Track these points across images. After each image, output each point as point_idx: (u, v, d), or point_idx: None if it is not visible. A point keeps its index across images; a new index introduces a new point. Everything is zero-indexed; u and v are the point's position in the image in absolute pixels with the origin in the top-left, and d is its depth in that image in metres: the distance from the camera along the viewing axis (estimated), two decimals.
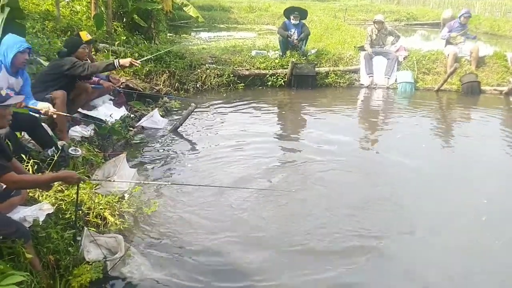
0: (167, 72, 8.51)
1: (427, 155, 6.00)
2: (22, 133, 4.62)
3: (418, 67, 9.73)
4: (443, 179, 5.28)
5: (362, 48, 10.08)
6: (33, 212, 3.46)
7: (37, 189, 3.76)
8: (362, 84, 9.70)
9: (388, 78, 9.58)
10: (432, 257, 3.80)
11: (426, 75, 9.73)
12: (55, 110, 4.65)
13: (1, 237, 2.83)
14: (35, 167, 4.05)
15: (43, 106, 4.58)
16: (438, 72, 9.72)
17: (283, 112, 8.07)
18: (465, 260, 3.80)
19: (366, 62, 9.68)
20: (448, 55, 9.63)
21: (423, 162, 5.65)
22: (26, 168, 3.95)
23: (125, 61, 5.36)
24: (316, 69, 9.51)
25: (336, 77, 9.65)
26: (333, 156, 5.77)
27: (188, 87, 8.70)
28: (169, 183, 4.76)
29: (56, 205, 3.80)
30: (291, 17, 9.73)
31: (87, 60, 5.70)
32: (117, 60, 5.38)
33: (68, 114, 5.05)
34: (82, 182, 3.35)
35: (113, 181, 4.40)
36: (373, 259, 3.73)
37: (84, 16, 9.94)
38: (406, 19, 21.40)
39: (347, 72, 9.83)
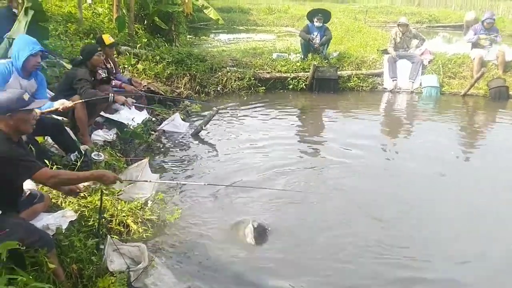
0: (188, 75, 8.46)
1: (453, 162, 5.82)
2: (45, 137, 4.58)
3: (444, 71, 9.49)
4: (470, 189, 5.09)
5: (385, 51, 9.88)
6: (56, 220, 3.41)
7: (66, 193, 3.65)
8: (385, 88, 9.50)
9: (413, 82, 9.36)
10: None
11: (452, 79, 9.48)
12: (70, 102, 4.58)
13: (24, 247, 2.75)
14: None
15: (59, 103, 4.49)
16: (465, 76, 9.48)
17: (304, 116, 7.94)
18: None
19: (389, 65, 9.47)
20: (474, 58, 9.37)
21: (450, 171, 5.47)
22: None
23: (120, 98, 5.31)
24: (338, 72, 9.34)
25: (359, 81, 9.47)
26: (354, 162, 5.66)
27: (209, 90, 8.64)
28: (204, 184, 4.61)
29: (79, 212, 3.75)
30: (315, 20, 9.60)
31: (101, 67, 5.63)
32: (112, 95, 5.27)
33: (84, 100, 4.90)
34: (119, 182, 3.23)
35: (149, 181, 4.33)
36: None
37: (106, 18, 9.95)
38: (428, 21, 21.01)
39: (370, 76, 9.64)
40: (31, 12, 5.30)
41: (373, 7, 23.37)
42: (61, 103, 4.49)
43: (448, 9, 24.14)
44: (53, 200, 3.77)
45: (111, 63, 6.33)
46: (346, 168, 5.47)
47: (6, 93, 2.95)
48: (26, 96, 2.93)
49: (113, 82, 6.10)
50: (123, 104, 5.51)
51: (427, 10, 22.87)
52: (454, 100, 9.01)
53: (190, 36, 14.25)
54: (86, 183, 4.14)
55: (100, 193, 3.56)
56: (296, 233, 4.11)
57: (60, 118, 4.95)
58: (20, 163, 2.76)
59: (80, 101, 4.81)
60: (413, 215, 4.48)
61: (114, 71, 6.39)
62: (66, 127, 4.76)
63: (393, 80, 9.41)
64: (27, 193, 3.42)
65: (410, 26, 9.98)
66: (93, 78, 5.42)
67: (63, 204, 3.79)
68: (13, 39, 5.22)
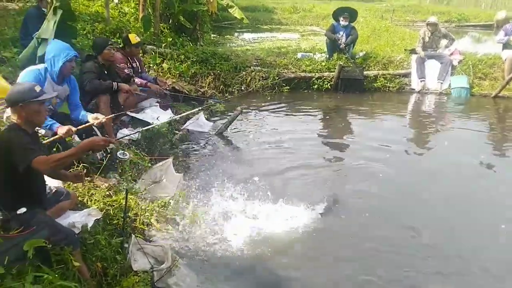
0: (212, 74, 8.46)
1: (483, 168, 5.63)
2: (73, 136, 4.62)
3: (474, 71, 9.22)
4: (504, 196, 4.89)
5: (413, 51, 9.64)
6: (82, 218, 3.43)
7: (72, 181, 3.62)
8: (413, 89, 9.29)
9: (442, 83, 9.12)
10: None
11: (482, 80, 9.20)
12: (104, 116, 4.52)
13: (50, 245, 2.77)
14: (84, 170, 4.04)
15: (92, 118, 4.42)
16: (496, 77, 9.19)
17: (329, 117, 7.84)
18: None
19: (417, 65, 9.26)
20: (505, 59, 9.07)
21: (480, 177, 5.31)
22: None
23: (124, 86, 5.48)
24: (365, 72, 9.19)
25: (385, 81, 9.30)
26: (379, 165, 5.52)
27: (233, 90, 8.62)
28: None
29: (104, 210, 3.76)
30: (341, 19, 9.46)
31: (112, 60, 5.66)
32: (115, 83, 5.42)
33: (118, 113, 4.96)
34: (109, 144, 3.05)
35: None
36: None
37: (132, 17, 10.04)
38: (457, 20, 20.49)
39: (397, 76, 9.44)
40: (59, 12, 5.37)
41: (400, 5, 22.93)
42: (94, 118, 4.43)
43: (478, 8, 23.52)
44: (79, 198, 3.80)
45: (136, 62, 6.38)
46: (371, 171, 5.37)
47: (18, 85, 3.00)
48: (38, 88, 2.95)
49: (138, 81, 6.13)
50: (127, 92, 5.58)
51: (456, 9, 22.32)
52: (485, 101, 8.74)
53: (215, 35, 14.25)
54: (110, 182, 4.20)
55: (125, 192, 3.57)
56: (322, 240, 4.04)
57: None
58: (17, 151, 2.76)
59: (112, 115, 4.84)
60: (446, 223, 4.31)
61: (139, 70, 6.44)
62: (94, 127, 4.83)
63: (421, 81, 9.20)
64: (54, 191, 3.47)
65: (440, 25, 9.71)
66: (105, 72, 5.44)
67: (89, 203, 3.82)
68: (42, 38, 5.34)
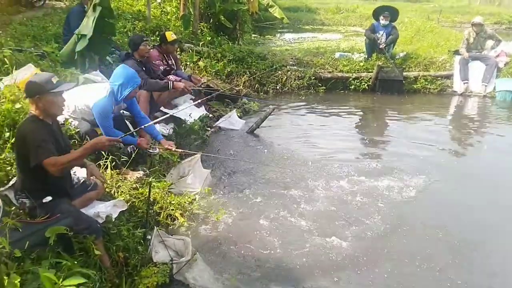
0: (248, 73, 8.48)
1: None
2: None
3: None
4: None
5: (457, 52, 9.27)
6: (107, 208, 3.52)
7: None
8: (455, 91, 8.94)
9: (486, 86, 8.72)
10: None
11: None
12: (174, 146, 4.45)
13: (73, 233, 2.86)
14: (113, 163, 4.16)
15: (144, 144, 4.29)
16: None
17: (365, 119, 7.66)
18: None
19: (461, 67, 8.89)
20: None
21: None
22: (104, 164, 4.07)
23: (179, 85, 5.60)
24: (404, 73, 8.94)
25: (426, 83, 9.00)
26: (417, 171, 5.26)
27: (268, 89, 8.62)
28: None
29: (130, 202, 3.85)
30: (381, 17, 9.24)
31: (148, 56, 5.79)
32: (170, 82, 5.56)
33: (186, 151, 4.86)
34: (114, 144, 3.18)
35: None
36: None
37: (174, 16, 10.25)
38: (508, 22, 19.56)
39: (439, 78, 9.11)
40: (98, 9, 5.53)
41: (448, 6, 22.19)
42: (170, 144, 4.40)
43: None
44: (106, 190, 3.90)
45: (172, 59, 6.48)
46: (406, 177, 5.12)
47: (36, 77, 3.08)
48: (55, 79, 3.01)
49: (173, 78, 6.23)
50: (183, 90, 5.72)
51: (508, 11, 21.31)
52: None
53: (255, 35, 14.32)
54: (138, 175, 4.29)
55: (148, 185, 3.64)
56: (355, 248, 3.93)
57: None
58: (30, 147, 2.83)
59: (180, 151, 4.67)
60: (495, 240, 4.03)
61: (175, 67, 6.54)
62: (126, 121, 4.95)
63: (464, 83, 8.83)
64: (82, 181, 3.58)
65: (485, 26, 9.29)
66: (143, 68, 5.56)
67: (115, 194, 3.92)
68: (82, 34, 5.53)
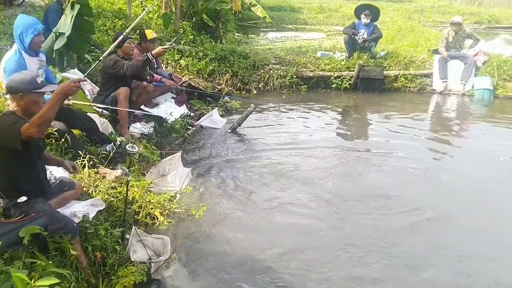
0: (230, 71, 8.47)
1: (504, 174, 5.39)
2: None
3: (499, 73, 8.89)
4: None
5: (436, 51, 9.40)
6: (84, 208, 3.48)
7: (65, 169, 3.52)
8: (434, 90, 9.06)
9: (464, 84, 8.86)
10: None
11: (507, 82, 8.87)
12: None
13: (48, 233, 2.83)
14: (91, 162, 4.12)
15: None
16: None
17: (346, 116, 7.71)
18: None
19: (440, 66, 9.02)
20: None
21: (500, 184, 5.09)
22: (81, 163, 4.03)
23: (157, 50, 5.37)
24: (385, 72, 9.03)
25: (406, 81, 9.10)
26: (396, 169, 5.36)
27: (250, 88, 8.62)
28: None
29: (108, 201, 3.82)
30: (362, 16, 9.32)
31: (132, 54, 5.70)
32: (149, 53, 5.35)
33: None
34: (79, 85, 2.98)
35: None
36: None
37: (155, 15, 10.17)
38: (487, 22, 19.89)
39: (419, 76, 9.23)
40: (77, 7, 5.45)
41: (429, 6, 22.47)
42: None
43: (510, 10, 22.76)
44: (84, 189, 3.86)
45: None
46: (386, 175, 5.21)
47: (21, 74, 3.03)
48: (40, 79, 2.98)
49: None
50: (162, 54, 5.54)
51: (487, 11, 21.69)
52: (509, 104, 8.43)
53: (239, 34, 14.30)
54: (117, 174, 4.25)
55: (126, 184, 3.61)
56: (320, 237, 3.98)
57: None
58: (7, 131, 2.79)
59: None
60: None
61: (155, 66, 6.50)
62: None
63: (443, 82, 8.96)
64: (59, 180, 3.53)
65: (464, 25, 9.43)
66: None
67: (93, 193, 3.88)
68: (60, 32, 5.46)
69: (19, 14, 4.39)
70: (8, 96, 2.97)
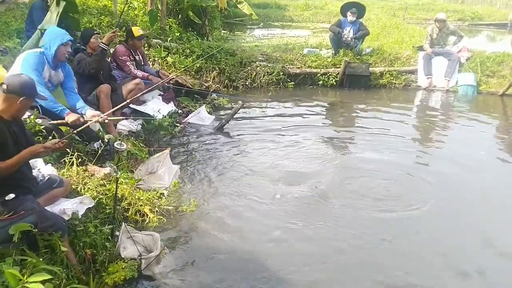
0: (217, 69, 8.48)
1: (487, 168, 5.50)
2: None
3: (482, 69, 9.08)
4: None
5: (421, 48, 9.54)
6: (73, 205, 3.48)
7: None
8: (419, 86, 9.21)
9: (448, 80, 9.00)
10: None
11: (490, 78, 9.05)
12: (101, 115, 4.46)
13: (37, 230, 2.82)
14: (79, 160, 4.10)
15: (91, 115, 4.39)
16: (504, 75, 9.02)
17: (333, 113, 7.79)
18: None
19: (424, 62, 9.16)
20: None
21: (483, 177, 5.19)
22: (70, 161, 4.01)
23: (107, 36, 5.25)
24: (371, 69, 9.12)
25: (391, 78, 9.23)
26: (380, 165, 5.42)
27: (238, 85, 8.63)
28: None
29: (97, 199, 3.81)
30: (348, 14, 9.40)
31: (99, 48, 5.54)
32: (102, 43, 5.24)
33: (120, 118, 4.98)
34: (50, 151, 3.11)
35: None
36: None
37: (141, 12, 10.10)
38: (470, 19, 20.19)
39: (404, 73, 9.37)
40: (62, 4, 5.46)
41: (414, 4, 22.70)
42: (92, 116, 4.37)
43: (493, 7, 23.15)
44: (73, 186, 3.85)
45: (139, 54, 6.42)
46: (371, 171, 5.26)
47: (24, 77, 3.04)
48: (37, 87, 3.09)
49: (140, 74, 6.18)
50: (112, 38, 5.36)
51: (470, 8, 22.01)
52: (492, 99, 8.61)
53: (225, 31, 14.28)
54: (105, 171, 4.24)
55: (115, 181, 3.61)
56: (310, 237, 4.03)
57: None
58: None
59: (110, 111, 4.67)
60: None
61: (142, 63, 6.48)
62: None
63: (427, 78, 9.10)
64: (47, 178, 3.52)
65: (448, 22, 9.58)
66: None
67: (82, 191, 3.87)
68: (45, 29, 5.41)
69: (51, 25, 4.47)
70: (1, 93, 2.90)
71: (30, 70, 4.06)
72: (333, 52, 9.57)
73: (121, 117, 5.41)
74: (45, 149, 3.03)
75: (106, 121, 4.49)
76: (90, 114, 4.40)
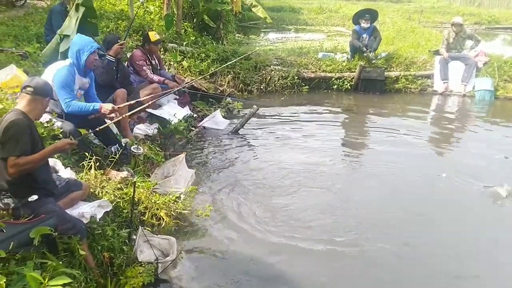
0: (232, 73, 8.52)
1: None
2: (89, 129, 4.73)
3: (500, 74, 8.95)
4: None
5: (437, 52, 9.44)
6: (92, 209, 3.52)
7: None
8: (435, 91, 9.11)
9: (465, 85, 8.90)
10: None
11: (508, 83, 8.92)
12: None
13: (57, 233, 2.87)
14: (97, 163, 4.15)
15: (107, 107, 4.42)
16: None
17: (348, 118, 7.75)
18: None
19: (441, 67, 9.07)
20: None
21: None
22: (88, 164, 4.06)
23: (114, 49, 5.29)
24: (386, 73, 9.08)
25: (407, 82, 9.16)
26: (393, 172, 5.37)
27: (252, 89, 8.66)
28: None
29: (115, 202, 3.85)
30: (362, 21, 9.35)
31: (120, 58, 5.57)
32: (108, 55, 5.29)
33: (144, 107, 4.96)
34: (74, 146, 3.32)
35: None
36: None
37: (157, 16, 10.20)
38: (487, 23, 19.94)
39: (420, 77, 9.28)
40: (81, 9, 5.51)
41: (429, 7, 22.53)
42: (110, 108, 4.40)
43: (510, 10, 22.82)
44: (91, 190, 3.90)
45: (155, 59, 6.48)
46: (383, 177, 5.25)
47: (44, 80, 3.19)
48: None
49: (156, 78, 6.24)
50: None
51: (487, 11, 21.74)
52: (510, 104, 8.50)
53: (239, 35, 14.34)
54: (123, 175, 4.29)
55: (133, 185, 3.65)
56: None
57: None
58: (10, 137, 2.84)
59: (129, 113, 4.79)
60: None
61: (158, 67, 6.54)
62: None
63: (444, 83, 9.01)
64: (66, 181, 3.57)
65: (465, 26, 9.48)
66: (114, 67, 5.45)
67: (100, 194, 3.92)
68: (64, 34, 5.49)
69: (77, 34, 4.56)
70: (28, 95, 3.01)
71: (61, 87, 4.16)
72: (348, 56, 9.53)
73: (144, 106, 5.33)
74: (70, 145, 3.17)
75: (126, 115, 4.64)
76: (106, 106, 4.43)
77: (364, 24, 9.34)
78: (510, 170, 5.54)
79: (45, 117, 4.04)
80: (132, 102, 4.86)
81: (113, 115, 4.39)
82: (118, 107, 4.57)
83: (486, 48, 9.75)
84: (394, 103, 8.50)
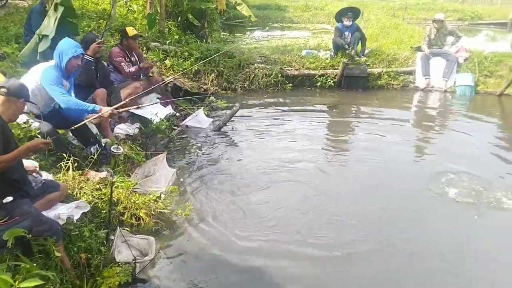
0: (215, 71, 8.51)
1: (485, 169, 5.42)
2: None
3: (480, 69, 9.09)
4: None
5: (419, 49, 9.55)
6: (69, 210, 3.50)
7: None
8: (417, 87, 9.22)
9: (446, 81, 9.02)
10: None
11: (488, 78, 9.06)
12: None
13: (32, 235, 2.85)
14: (76, 164, 4.13)
15: (106, 110, 4.42)
16: (502, 75, 9.02)
17: (331, 114, 7.81)
18: None
19: (422, 63, 9.17)
20: None
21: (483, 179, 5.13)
22: (66, 165, 4.04)
23: (92, 48, 5.22)
24: (369, 70, 9.15)
25: (389, 79, 9.24)
26: (378, 165, 5.46)
27: (236, 87, 8.66)
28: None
29: (93, 203, 3.84)
30: (344, 19, 9.41)
31: (101, 55, 5.60)
32: (86, 55, 5.12)
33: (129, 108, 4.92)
34: (48, 146, 3.24)
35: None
36: None
37: (140, 15, 10.14)
38: (470, 18, 20.16)
39: (402, 74, 9.38)
40: (60, 8, 5.46)
41: (414, 3, 22.68)
42: (109, 110, 4.42)
43: (493, 6, 23.10)
44: (69, 191, 3.87)
45: (135, 55, 6.42)
46: (369, 171, 5.32)
47: (21, 81, 3.15)
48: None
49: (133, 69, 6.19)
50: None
51: (470, 7, 21.97)
52: (490, 100, 8.63)
53: (225, 33, 14.31)
54: (102, 175, 4.27)
55: (110, 185, 3.64)
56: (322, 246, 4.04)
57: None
58: None
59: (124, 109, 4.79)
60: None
61: (138, 64, 6.49)
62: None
63: (425, 78, 9.11)
64: (42, 182, 3.55)
65: (446, 22, 9.58)
66: (93, 67, 5.43)
67: (78, 195, 3.90)
68: (43, 34, 5.45)
69: (65, 37, 4.51)
70: (1, 96, 3.01)
71: (53, 83, 4.17)
72: (331, 53, 9.59)
73: (133, 107, 5.27)
74: (44, 145, 3.12)
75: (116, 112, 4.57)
76: (105, 109, 4.43)
77: (347, 22, 9.39)
78: (496, 165, 5.63)
79: (22, 118, 4.04)
80: (116, 106, 4.80)
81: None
82: (118, 112, 4.56)
83: (468, 44, 9.89)
84: (377, 99, 8.57)
